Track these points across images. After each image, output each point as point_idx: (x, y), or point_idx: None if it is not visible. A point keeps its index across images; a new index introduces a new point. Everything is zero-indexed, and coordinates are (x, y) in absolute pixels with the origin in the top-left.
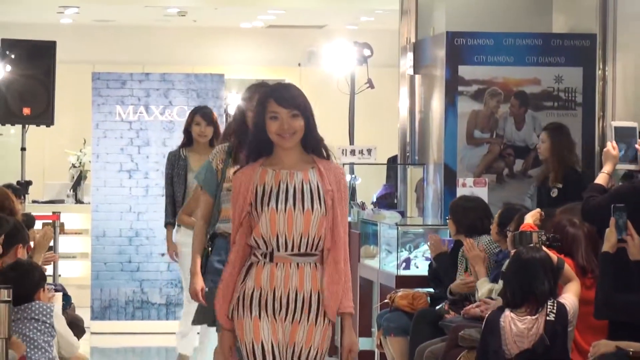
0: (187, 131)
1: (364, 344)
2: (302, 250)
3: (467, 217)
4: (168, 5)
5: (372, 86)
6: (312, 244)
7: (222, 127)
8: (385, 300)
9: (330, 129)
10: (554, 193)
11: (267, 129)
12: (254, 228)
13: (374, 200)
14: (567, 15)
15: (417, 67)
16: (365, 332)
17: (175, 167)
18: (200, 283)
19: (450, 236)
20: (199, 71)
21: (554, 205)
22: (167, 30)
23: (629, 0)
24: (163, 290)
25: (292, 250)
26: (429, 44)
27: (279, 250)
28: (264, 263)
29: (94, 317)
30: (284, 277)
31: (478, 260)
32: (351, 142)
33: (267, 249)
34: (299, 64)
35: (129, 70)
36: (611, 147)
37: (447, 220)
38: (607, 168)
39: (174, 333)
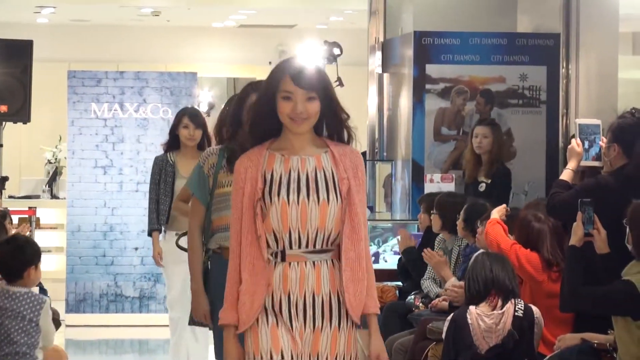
0: (174, 134)
1: None
2: (318, 247)
3: (455, 212)
4: (142, 5)
5: (341, 84)
6: (329, 239)
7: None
8: None
9: None
10: (482, 187)
11: (277, 109)
12: (263, 222)
13: None
14: (532, 15)
15: (385, 66)
16: None
17: (163, 173)
18: (205, 303)
19: (434, 231)
20: (173, 69)
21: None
22: (141, 30)
23: (592, 1)
24: (136, 284)
25: (307, 246)
26: (397, 43)
27: (291, 247)
28: (275, 263)
29: (69, 310)
30: (298, 278)
31: (442, 265)
32: None
33: (277, 246)
34: (270, 63)
35: (104, 69)
36: (575, 144)
37: (430, 216)
38: (571, 165)
39: (147, 326)
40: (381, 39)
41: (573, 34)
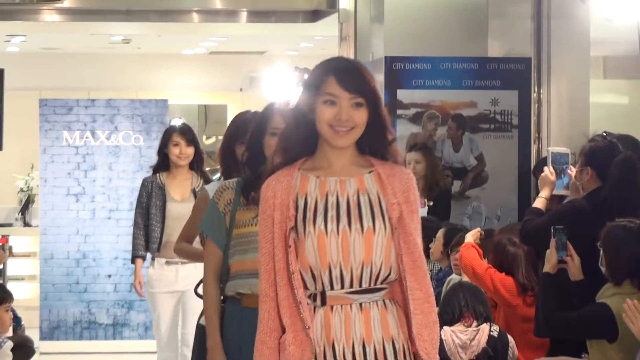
0: (163, 153)
1: None
2: (365, 285)
3: (430, 237)
4: (113, 33)
5: None
6: (378, 276)
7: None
8: None
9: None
10: (424, 211)
11: (317, 116)
12: (298, 257)
13: None
14: (502, 40)
15: None
16: None
17: (153, 197)
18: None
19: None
20: (144, 97)
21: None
22: (112, 58)
23: (563, 25)
24: (110, 311)
25: (351, 286)
26: (368, 68)
27: (332, 287)
28: (314, 308)
29: (42, 338)
30: (343, 325)
31: None
32: None
33: (315, 287)
34: (241, 89)
35: (76, 97)
36: (549, 172)
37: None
38: (544, 193)
39: (121, 352)
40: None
41: (544, 58)
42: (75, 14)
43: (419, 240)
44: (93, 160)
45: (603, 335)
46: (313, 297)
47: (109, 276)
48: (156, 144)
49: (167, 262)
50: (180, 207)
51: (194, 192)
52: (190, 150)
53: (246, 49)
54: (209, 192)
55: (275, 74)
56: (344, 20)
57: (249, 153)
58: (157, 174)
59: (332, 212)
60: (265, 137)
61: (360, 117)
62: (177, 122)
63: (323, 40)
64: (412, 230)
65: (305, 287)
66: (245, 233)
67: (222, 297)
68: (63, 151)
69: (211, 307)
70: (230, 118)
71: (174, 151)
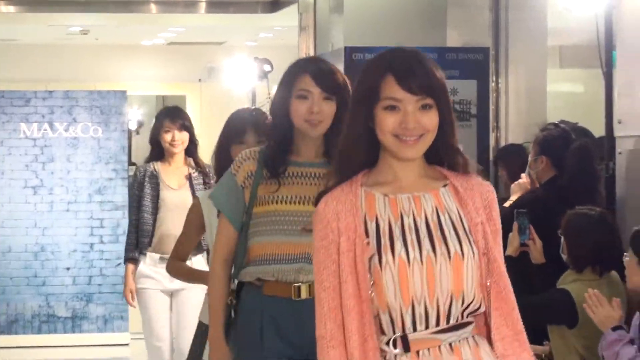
0: (155, 141)
1: None
2: (453, 321)
3: None
4: (71, 24)
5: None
6: (467, 309)
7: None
8: None
9: None
10: None
11: (377, 126)
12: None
13: None
14: (461, 30)
15: None
16: None
17: (145, 187)
18: (225, 356)
19: None
20: (102, 88)
21: None
22: (70, 49)
23: (520, 16)
24: (69, 304)
25: (438, 324)
26: (328, 59)
27: (415, 329)
28: (395, 357)
29: (0, 332)
30: None
31: None
32: None
33: (394, 330)
34: (200, 80)
35: (33, 89)
36: (525, 179)
37: None
38: (514, 197)
39: (80, 346)
40: (312, 55)
41: (502, 48)
42: (33, 5)
43: (503, 267)
44: (51, 152)
45: (563, 321)
46: (392, 344)
47: (68, 269)
48: (116, 135)
49: (162, 258)
50: (176, 196)
51: (189, 179)
52: (183, 136)
53: (205, 40)
54: (201, 202)
55: (235, 65)
56: (303, 11)
57: (274, 120)
58: (151, 163)
59: (411, 237)
60: (292, 101)
61: (431, 120)
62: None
63: (282, 30)
64: (497, 255)
65: (382, 333)
66: (268, 211)
67: (235, 283)
68: (20, 143)
69: (217, 294)
70: (189, 109)
71: (166, 138)
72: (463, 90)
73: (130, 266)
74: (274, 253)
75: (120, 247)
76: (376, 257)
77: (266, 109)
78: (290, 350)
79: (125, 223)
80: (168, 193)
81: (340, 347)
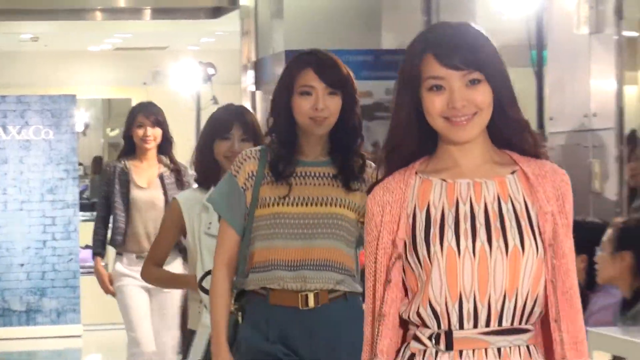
0: (128, 136)
1: None
2: (506, 324)
3: None
4: (22, 31)
5: (216, 102)
6: (523, 312)
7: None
8: None
9: (177, 145)
10: None
11: (425, 109)
12: (413, 290)
13: None
14: (395, 33)
15: (258, 84)
16: None
17: (115, 183)
18: None
19: None
20: (53, 92)
21: None
22: (21, 55)
23: (452, 18)
24: (23, 298)
25: (488, 324)
26: (269, 62)
27: (461, 326)
28: (436, 353)
29: None
30: None
31: None
32: None
33: (438, 326)
34: (145, 83)
35: None
36: None
37: None
38: None
39: (35, 338)
40: (253, 59)
41: None
42: None
43: (572, 265)
44: (5, 154)
45: None
46: (435, 339)
47: (22, 265)
48: (67, 137)
49: (138, 257)
50: (145, 195)
51: (161, 178)
52: (156, 132)
53: (149, 45)
54: (181, 204)
55: (179, 69)
56: (244, 16)
57: (275, 118)
58: (122, 159)
59: (465, 225)
60: (295, 98)
61: (482, 96)
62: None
63: (224, 35)
64: (567, 250)
65: (424, 325)
66: (271, 214)
67: (237, 293)
68: None
69: (219, 303)
70: None
71: (138, 133)
72: None
73: (99, 259)
74: (276, 258)
75: (72, 244)
76: (423, 248)
77: (210, 111)
78: None
79: (76, 221)
80: (137, 192)
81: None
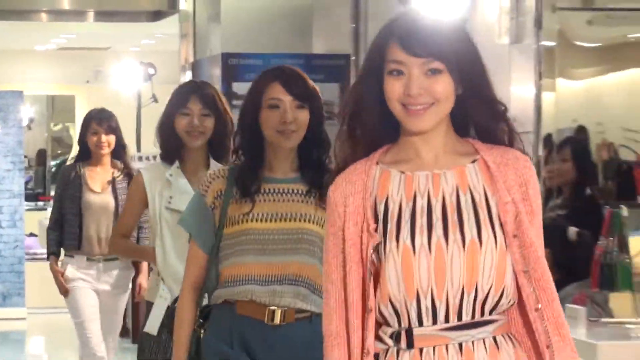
0: (83, 142)
1: None
2: (467, 319)
3: None
4: None
5: (156, 100)
6: (484, 304)
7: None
8: None
9: None
10: None
11: (385, 93)
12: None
13: None
14: (325, 38)
15: None
16: None
17: (69, 187)
18: None
19: None
20: (1, 89)
21: None
22: None
23: (377, 25)
24: None
25: (447, 320)
26: (206, 63)
27: (421, 323)
28: (397, 352)
29: None
30: None
31: None
32: (138, 149)
33: (399, 323)
34: (87, 82)
35: None
36: None
37: None
38: None
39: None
40: (191, 60)
41: (361, 54)
42: None
43: (541, 251)
44: None
45: None
46: (396, 337)
47: None
48: (14, 130)
49: (88, 259)
50: (98, 199)
51: (113, 182)
52: (110, 139)
53: (92, 46)
54: (144, 177)
55: (120, 68)
56: (183, 20)
57: (242, 133)
58: (77, 163)
59: (421, 220)
60: (262, 112)
61: (441, 87)
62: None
63: (164, 37)
64: (533, 238)
65: (387, 324)
66: (240, 231)
67: (201, 308)
68: None
69: (183, 323)
70: (78, 107)
71: (92, 140)
72: (327, 92)
73: (53, 259)
74: (246, 273)
75: (18, 232)
76: (382, 244)
77: (151, 108)
78: None
79: (22, 210)
80: (91, 196)
81: (344, 346)
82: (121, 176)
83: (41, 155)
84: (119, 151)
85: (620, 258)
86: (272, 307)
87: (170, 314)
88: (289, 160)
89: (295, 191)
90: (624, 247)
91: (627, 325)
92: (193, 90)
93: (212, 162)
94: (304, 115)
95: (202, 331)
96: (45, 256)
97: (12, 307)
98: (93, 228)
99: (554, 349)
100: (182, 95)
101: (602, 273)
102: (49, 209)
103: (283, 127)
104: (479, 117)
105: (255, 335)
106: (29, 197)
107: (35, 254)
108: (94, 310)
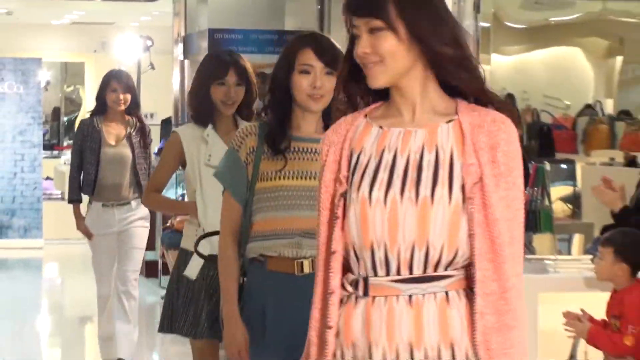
0: (101, 97)
1: (150, 255)
2: (418, 272)
3: None
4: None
5: (153, 68)
6: (439, 261)
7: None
8: (167, 224)
9: None
10: None
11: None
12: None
13: (156, 151)
14: (296, 17)
15: (186, 54)
16: (150, 246)
17: (88, 140)
18: (242, 333)
19: None
20: (23, 56)
21: None
22: (2, 27)
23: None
24: None
25: (399, 272)
26: (195, 37)
27: (375, 273)
28: (356, 298)
29: None
30: (384, 323)
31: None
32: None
33: (359, 271)
34: (95, 51)
35: None
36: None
37: None
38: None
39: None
40: (182, 34)
41: (326, 31)
42: None
43: (501, 214)
44: None
45: None
46: (355, 284)
47: None
48: (33, 91)
49: (103, 205)
50: (113, 151)
51: (128, 136)
52: (127, 97)
53: (100, 21)
54: (181, 136)
55: (123, 40)
56: (176, 0)
57: (273, 93)
58: (95, 118)
59: (383, 175)
60: (294, 75)
61: (382, 44)
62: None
63: (160, 15)
64: (495, 201)
65: (351, 272)
66: (271, 187)
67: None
68: None
69: (228, 272)
70: (87, 72)
71: (111, 97)
72: None
73: (76, 205)
74: (275, 228)
75: (37, 176)
76: (348, 193)
77: (148, 75)
78: (290, 337)
79: (40, 157)
80: (107, 148)
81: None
82: (135, 131)
83: (56, 112)
84: (133, 108)
85: (542, 205)
86: (300, 260)
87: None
88: (314, 122)
89: (320, 150)
90: (546, 196)
91: (546, 261)
92: (231, 63)
93: (241, 121)
94: (332, 81)
95: (243, 281)
96: (59, 196)
97: (31, 238)
98: (109, 177)
99: (486, 312)
100: (220, 67)
101: (527, 218)
102: (63, 157)
103: (312, 92)
104: (451, 76)
105: (286, 288)
106: (45, 147)
107: (50, 194)
108: (110, 257)
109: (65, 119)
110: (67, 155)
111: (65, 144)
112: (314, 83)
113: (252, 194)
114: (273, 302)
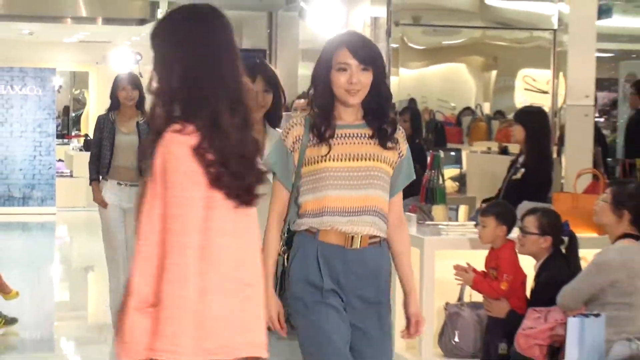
0: (114, 96)
1: None
2: None
3: None
4: (23, 28)
5: (141, 76)
6: None
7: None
8: None
9: None
10: None
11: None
12: None
13: None
14: (249, 37)
15: None
16: None
17: (105, 131)
18: (275, 304)
19: None
20: (42, 66)
21: None
22: (22, 43)
23: (285, 31)
24: (21, 190)
25: None
26: None
27: None
28: None
29: None
30: None
31: None
32: None
33: None
34: (97, 63)
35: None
36: None
37: None
38: None
39: (27, 214)
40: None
41: (274, 49)
42: (5, 18)
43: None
44: (11, 102)
45: None
46: None
47: (21, 170)
48: (49, 93)
49: (118, 183)
50: (126, 138)
51: (137, 126)
52: (135, 94)
53: (100, 40)
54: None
55: (118, 55)
56: None
57: (316, 88)
58: (109, 113)
59: None
60: (332, 72)
61: (368, 80)
62: (57, 81)
63: (147, 35)
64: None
65: None
66: (319, 169)
67: (287, 236)
68: None
69: (270, 245)
70: (90, 80)
71: (121, 94)
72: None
73: (95, 184)
74: (326, 206)
75: (51, 159)
76: None
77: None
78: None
79: (54, 144)
80: (120, 137)
81: None
82: (143, 121)
83: (66, 110)
84: (141, 102)
85: (438, 184)
86: (351, 234)
87: None
88: (355, 112)
89: (362, 135)
90: (440, 176)
91: (440, 226)
92: (259, 71)
93: (269, 127)
94: (368, 77)
95: (285, 257)
96: (69, 174)
97: (47, 206)
98: (122, 160)
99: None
100: (249, 74)
101: (427, 193)
102: (72, 144)
103: (349, 87)
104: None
105: (337, 258)
106: (58, 136)
107: (62, 172)
108: (119, 225)
109: (73, 114)
110: (74, 142)
111: (73, 133)
112: (351, 79)
113: (299, 177)
114: (326, 268)
